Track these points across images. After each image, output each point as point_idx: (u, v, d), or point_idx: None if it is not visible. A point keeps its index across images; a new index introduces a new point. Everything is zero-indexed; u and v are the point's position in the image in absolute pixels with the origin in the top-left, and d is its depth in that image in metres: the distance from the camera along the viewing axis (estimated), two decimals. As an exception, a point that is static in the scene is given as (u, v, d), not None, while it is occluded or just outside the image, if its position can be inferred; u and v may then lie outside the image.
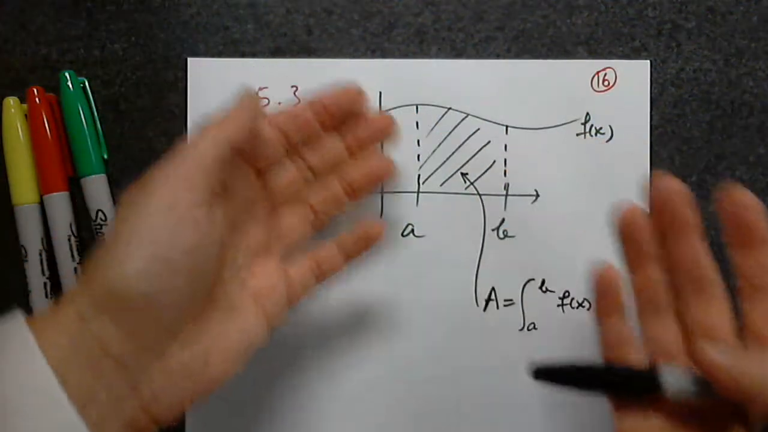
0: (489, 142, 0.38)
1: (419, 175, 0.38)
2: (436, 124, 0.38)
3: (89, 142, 0.37)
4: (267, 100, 0.38)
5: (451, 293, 0.38)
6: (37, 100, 0.37)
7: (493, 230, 0.38)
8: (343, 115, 0.35)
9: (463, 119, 0.38)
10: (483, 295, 0.38)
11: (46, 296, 0.37)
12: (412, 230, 0.38)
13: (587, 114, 0.38)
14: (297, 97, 0.38)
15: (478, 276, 0.38)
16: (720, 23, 0.39)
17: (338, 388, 0.38)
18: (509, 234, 0.38)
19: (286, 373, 0.38)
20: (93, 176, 0.38)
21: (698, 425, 0.28)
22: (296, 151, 0.35)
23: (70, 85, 0.38)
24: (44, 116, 0.37)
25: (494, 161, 0.38)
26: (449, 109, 0.38)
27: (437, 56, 0.39)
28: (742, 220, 0.28)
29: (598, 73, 0.38)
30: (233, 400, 0.38)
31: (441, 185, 0.38)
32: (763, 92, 0.39)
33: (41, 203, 0.38)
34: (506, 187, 0.38)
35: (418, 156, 0.38)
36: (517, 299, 0.38)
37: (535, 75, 0.38)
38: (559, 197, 0.38)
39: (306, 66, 0.39)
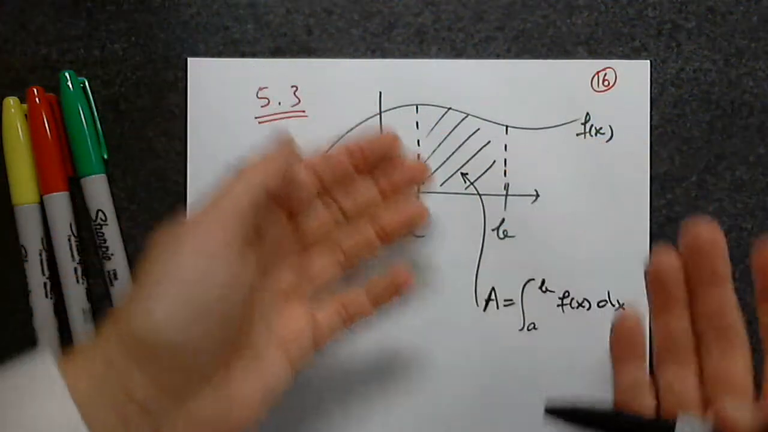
0: (489, 142, 0.38)
1: (419, 175, 0.38)
2: (436, 124, 0.38)
3: (89, 142, 0.37)
4: (267, 100, 0.38)
5: (451, 293, 0.38)
6: (37, 100, 0.37)
7: (493, 230, 0.38)
8: (377, 160, 0.35)
9: (463, 119, 0.38)
10: (483, 295, 0.38)
11: (46, 296, 0.37)
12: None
13: (587, 114, 0.38)
14: (297, 97, 0.38)
15: (478, 276, 0.38)
16: (720, 23, 0.39)
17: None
18: (509, 234, 0.38)
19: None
20: (93, 176, 0.37)
21: None
22: (329, 193, 0.35)
23: (70, 85, 0.38)
24: (44, 116, 0.37)
25: (494, 161, 0.38)
26: (449, 109, 0.38)
27: (437, 56, 0.39)
28: None
29: (598, 73, 0.38)
30: None
31: (441, 185, 0.38)
32: (763, 92, 0.39)
33: (41, 203, 0.38)
34: (506, 187, 0.38)
35: (418, 156, 0.38)
36: (517, 299, 0.38)
37: (535, 75, 0.38)
38: (559, 197, 0.38)
39: (306, 66, 0.39)
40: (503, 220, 0.38)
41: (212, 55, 0.39)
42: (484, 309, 0.38)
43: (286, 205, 0.34)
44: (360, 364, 0.38)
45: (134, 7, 0.39)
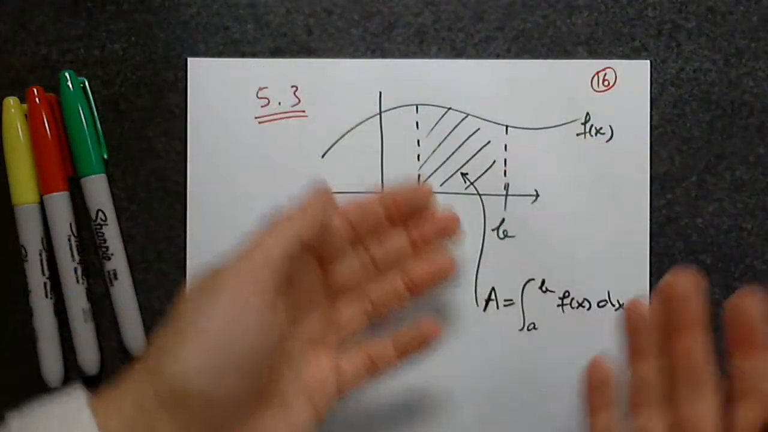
0: (489, 142, 0.38)
1: (419, 175, 0.38)
2: (436, 124, 0.38)
3: (89, 142, 0.37)
4: (267, 100, 0.38)
5: (451, 293, 0.38)
6: (37, 100, 0.37)
7: (493, 230, 0.38)
8: (410, 211, 0.35)
9: (463, 119, 0.38)
10: (483, 295, 0.38)
11: (46, 296, 0.37)
12: (412, 230, 0.38)
13: (587, 114, 0.38)
14: (297, 97, 0.38)
15: (478, 276, 0.38)
16: (720, 23, 0.39)
17: None
18: (509, 234, 0.38)
19: None
20: (93, 176, 0.37)
21: None
22: (361, 242, 0.35)
23: (70, 85, 0.38)
24: (44, 116, 0.37)
25: (494, 161, 0.38)
26: (449, 109, 0.38)
27: (437, 56, 0.39)
28: (744, 325, 0.28)
29: (598, 73, 0.38)
30: None
31: (441, 185, 0.38)
32: (763, 92, 0.39)
33: (41, 203, 0.38)
34: (506, 187, 0.38)
35: (418, 156, 0.38)
36: (517, 299, 0.38)
37: (535, 75, 0.38)
38: (559, 197, 0.38)
39: (306, 66, 0.39)
40: (503, 220, 0.38)
41: (212, 55, 0.39)
42: (484, 309, 0.38)
43: (320, 252, 0.34)
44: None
45: (134, 7, 0.39)
